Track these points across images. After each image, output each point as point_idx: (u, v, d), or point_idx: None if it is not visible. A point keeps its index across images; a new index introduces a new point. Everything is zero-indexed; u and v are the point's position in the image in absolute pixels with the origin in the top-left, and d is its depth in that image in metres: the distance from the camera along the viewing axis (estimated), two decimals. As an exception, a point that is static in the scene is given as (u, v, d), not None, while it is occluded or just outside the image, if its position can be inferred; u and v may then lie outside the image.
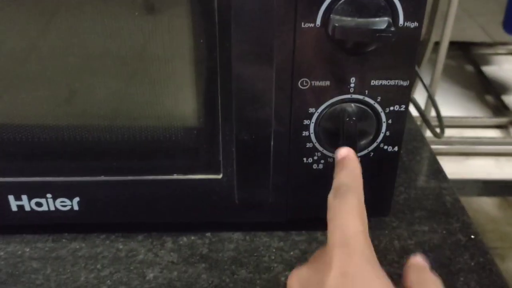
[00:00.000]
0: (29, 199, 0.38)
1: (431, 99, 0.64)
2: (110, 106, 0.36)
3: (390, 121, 0.35)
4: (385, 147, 0.36)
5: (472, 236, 0.40)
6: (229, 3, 0.30)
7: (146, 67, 0.34)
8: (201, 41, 0.33)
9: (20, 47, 0.34)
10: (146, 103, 0.36)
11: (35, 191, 0.38)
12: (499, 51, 1.52)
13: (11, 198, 0.38)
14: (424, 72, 1.13)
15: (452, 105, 1.27)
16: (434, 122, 0.62)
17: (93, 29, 0.33)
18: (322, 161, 0.36)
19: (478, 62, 1.46)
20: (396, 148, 0.36)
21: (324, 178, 0.34)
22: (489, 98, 1.33)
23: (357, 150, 0.33)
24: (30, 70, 0.34)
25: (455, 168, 1.10)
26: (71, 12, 0.32)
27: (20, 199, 0.38)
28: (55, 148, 0.37)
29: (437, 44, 1.07)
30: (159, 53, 0.34)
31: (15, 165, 0.37)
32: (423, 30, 1.12)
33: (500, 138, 1.20)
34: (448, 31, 1.04)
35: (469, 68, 1.46)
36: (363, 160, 0.35)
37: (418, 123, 0.81)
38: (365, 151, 0.36)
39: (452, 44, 1.11)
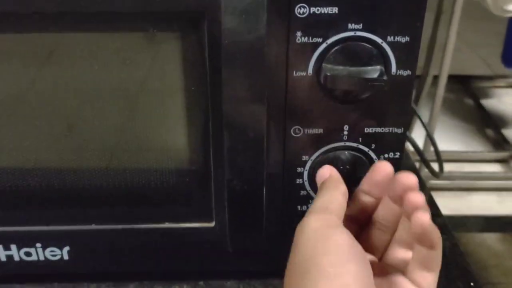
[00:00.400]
0: (18, 249, 0.37)
1: (429, 138, 0.64)
2: (102, 150, 0.36)
3: (384, 168, 0.34)
4: (380, 194, 0.35)
5: (471, 284, 0.39)
6: (219, 51, 0.30)
7: (138, 111, 0.34)
8: (193, 88, 0.33)
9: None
10: (138, 147, 0.36)
11: (24, 240, 0.37)
12: (499, 84, 1.52)
13: (-1, 248, 0.37)
14: (424, 106, 1.13)
15: (451, 139, 1.27)
16: (433, 156, 0.61)
17: (88, 71, 0.33)
18: (317, 209, 0.35)
19: (477, 95, 1.47)
20: (391, 195, 0.35)
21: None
22: (489, 131, 1.33)
23: (351, 197, 0.32)
24: (17, 113, 0.34)
25: (456, 204, 1.09)
26: (67, 51, 0.32)
27: (9, 249, 0.37)
28: (45, 196, 0.36)
29: (436, 77, 1.07)
30: (151, 98, 0.34)
31: (3, 214, 0.37)
32: (422, 64, 1.13)
33: (501, 173, 1.19)
34: (446, 65, 1.04)
35: (469, 101, 1.46)
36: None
37: (417, 163, 0.80)
38: (360, 199, 0.35)
39: (451, 77, 1.11)
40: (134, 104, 0.34)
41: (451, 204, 1.08)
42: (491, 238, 1.42)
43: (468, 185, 1.12)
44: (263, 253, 0.37)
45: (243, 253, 0.37)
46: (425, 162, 0.60)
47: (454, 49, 1.03)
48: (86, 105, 0.34)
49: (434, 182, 1.02)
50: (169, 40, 0.32)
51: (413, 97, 0.40)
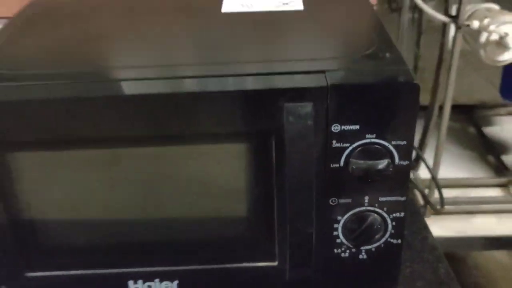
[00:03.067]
0: (143, 283, 0.54)
1: (434, 180, 0.80)
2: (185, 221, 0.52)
3: (394, 223, 0.50)
4: (391, 240, 0.51)
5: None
6: (284, 157, 0.46)
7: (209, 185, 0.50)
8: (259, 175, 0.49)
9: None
10: (217, 217, 0.52)
11: (147, 277, 0.54)
12: (501, 112, 1.67)
13: (130, 283, 0.54)
14: (431, 135, 1.25)
15: (456, 166, 1.42)
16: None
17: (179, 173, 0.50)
18: (347, 252, 0.52)
19: (479, 123, 1.62)
20: (399, 240, 0.52)
21: (349, 265, 0.50)
22: (490, 158, 1.47)
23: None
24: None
25: (461, 226, 1.24)
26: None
27: (137, 283, 0.54)
28: (161, 248, 0.53)
29: (440, 108, 1.20)
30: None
31: (135, 258, 0.53)
32: (429, 95, 1.28)
33: (501, 197, 1.34)
34: (449, 101, 1.19)
35: (471, 129, 1.62)
36: (379, 249, 0.50)
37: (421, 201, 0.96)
38: (377, 244, 0.51)
39: (455, 107, 1.25)
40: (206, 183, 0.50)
41: (458, 227, 1.23)
42: (500, 253, 1.56)
43: (472, 209, 1.27)
44: (311, 281, 0.53)
45: (299, 282, 0.53)
46: (429, 203, 0.76)
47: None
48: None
49: (435, 211, 1.16)
50: (243, 152, 0.49)
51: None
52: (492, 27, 1.01)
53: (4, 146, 0.47)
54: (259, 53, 0.52)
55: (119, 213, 0.52)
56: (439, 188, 0.76)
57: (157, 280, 0.54)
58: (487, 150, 1.48)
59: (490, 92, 1.59)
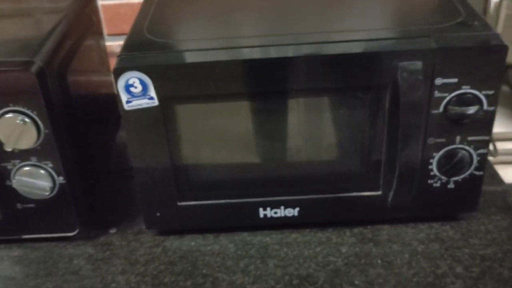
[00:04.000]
0: (271, 210, 0.67)
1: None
2: (308, 161, 0.65)
3: (478, 158, 0.63)
4: (475, 172, 0.64)
5: (526, 221, 0.68)
6: (398, 105, 0.58)
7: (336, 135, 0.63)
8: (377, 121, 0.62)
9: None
10: (335, 156, 0.65)
11: (274, 205, 0.67)
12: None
13: (260, 209, 0.67)
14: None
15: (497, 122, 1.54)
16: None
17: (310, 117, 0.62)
18: (438, 182, 0.64)
19: (512, 83, 1.73)
20: (481, 172, 0.64)
21: (439, 193, 0.63)
22: (523, 115, 1.59)
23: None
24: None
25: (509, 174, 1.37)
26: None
27: (266, 210, 0.67)
28: (284, 181, 0.66)
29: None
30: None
31: (264, 191, 0.66)
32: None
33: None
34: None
35: (505, 88, 1.73)
36: (465, 180, 0.63)
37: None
38: (464, 175, 0.64)
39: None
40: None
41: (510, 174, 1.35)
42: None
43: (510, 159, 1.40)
44: (408, 208, 0.66)
45: (397, 208, 0.66)
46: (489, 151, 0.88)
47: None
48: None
49: (493, 159, 1.27)
50: (361, 103, 0.61)
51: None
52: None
53: (175, 100, 0.60)
54: (368, 23, 0.64)
55: (254, 156, 0.65)
56: (492, 140, 0.88)
57: (282, 207, 0.67)
58: (520, 107, 1.59)
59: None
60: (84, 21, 0.77)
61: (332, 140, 0.64)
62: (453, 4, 0.66)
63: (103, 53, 0.87)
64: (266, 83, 0.59)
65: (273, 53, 0.58)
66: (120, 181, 0.77)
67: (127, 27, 0.66)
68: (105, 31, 0.96)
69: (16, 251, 0.66)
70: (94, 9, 0.83)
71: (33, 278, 0.63)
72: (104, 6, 0.98)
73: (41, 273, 0.63)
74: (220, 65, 0.58)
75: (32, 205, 0.63)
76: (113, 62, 0.58)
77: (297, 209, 0.67)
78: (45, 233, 0.66)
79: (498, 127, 1.54)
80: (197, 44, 0.61)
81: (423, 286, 0.59)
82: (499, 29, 1.23)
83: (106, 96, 0.84)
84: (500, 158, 1.43)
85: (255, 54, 0.58)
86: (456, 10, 0.64)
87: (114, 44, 0.98)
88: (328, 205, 0.67)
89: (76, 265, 0.64)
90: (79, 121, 0.68)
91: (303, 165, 0.66)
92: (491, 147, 0.96)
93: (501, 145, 1.49)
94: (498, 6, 1.21)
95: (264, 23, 0.66)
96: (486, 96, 0.59)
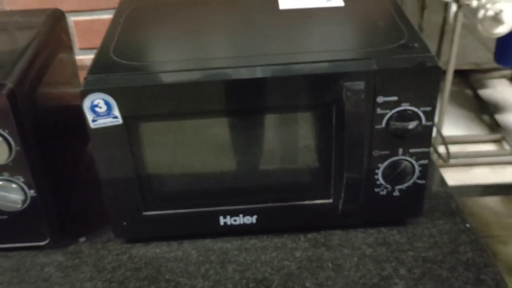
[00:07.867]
0: (230, 218, 0.72)
1: (442, 138, 0.98)
2: (263, 171, 0.70)
3: (420, 168, 0.68)
4: (418, 181, 0.69)
5: (468, 225, 0.73)
6: (343, 122, 0.64)
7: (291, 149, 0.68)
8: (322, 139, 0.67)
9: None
10: (287, 166, 0.70)
11: (233, 213, 0.72)
12: (494, 76, 1.85)
13: (220, 217, 0.72)
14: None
15: (456, 125, 1.60)
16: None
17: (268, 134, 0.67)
18: (385, 190, 0.70)
19: (475, 86, 1.80)
20: (424, 181, 0.70)
21: (386, 201, 0.68)
22: (485, 117, 1.66)
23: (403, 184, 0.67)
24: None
25: (461, 176, 1.43)
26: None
27: (225, 218, 0.72)
28: (242, 191, 0.71)
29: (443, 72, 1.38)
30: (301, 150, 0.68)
31: (223, 200, 0.71)
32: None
33: (495, 151, 1.53)
34: (452, 64, 1.36)
35: (468, 92, 1.80)
36: (408, 188, 0.68)
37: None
38: (407, 184, 0.69)
39: (454, 72, 1.43)
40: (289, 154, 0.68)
41: (458, 177, 1.42)
42: (493, 201, 1.76)
43: (470, 162, 1.47)
44: (357, 214, 0.71)
45: (347, 214, 0.71)
46: (438, 154, 0.94)
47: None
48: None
49: (444, 162, 1.34)
50: (311, 119, 0.66)
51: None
52: (488, 5, 1.17)
53: (138, 119, 0.64)
54: (320, 44, 0.69)
55: (215, 168, 0.70)
56: (446, 144, 0.94)
57: (241, 215, 0.72)
58: (482, 110, 1.66)
59: (484, 55, 1.76)
60: (56, 38, 0.81)
61: (286, 153, 0.70)
62: (398, 26, 0.71)
63: (74, 67, 0.91)
64: (224, 101, 0.64)
65: (226, 75, 0.63)
66: (90, 191, 0.81)
67: (99, 42, 0.70)
68: (78, 45, 1.00)
69: (-10, 260, 0.70)
70: (65, 26, 0.87)
71: (7, 286, 0.67)
72: (76, 21, 1.02)
73: (14, 281, 0.67)
74: (181, 85, 0.62)
75: (5, 217, 0.67)
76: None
77: (255, 216, 0.72)
78: (18, 242, 0.70)
79: (462, 130, 1.61)
80: (160, 66, 0.65)
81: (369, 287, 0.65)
82: (457, 36, 1.30)
83: (77, 108, 0.88)
84: (462, 160, 1.50)
85: (211, 75, 0.63)
86: (400, 32, 0.69)
87: (86, 58, 1.02)
88: (284, 212, 0.72)
89: (47, 273, 0.68)
90: (49, 135, 0.72)
91: (260, 176, 0.71)
92: (443, 150, 1.03)
93: (464, 148, 1.56)
94: (456, 15, 1.27)
95: (223, 44, 0.71)
96: (424, 112, 0.64)
